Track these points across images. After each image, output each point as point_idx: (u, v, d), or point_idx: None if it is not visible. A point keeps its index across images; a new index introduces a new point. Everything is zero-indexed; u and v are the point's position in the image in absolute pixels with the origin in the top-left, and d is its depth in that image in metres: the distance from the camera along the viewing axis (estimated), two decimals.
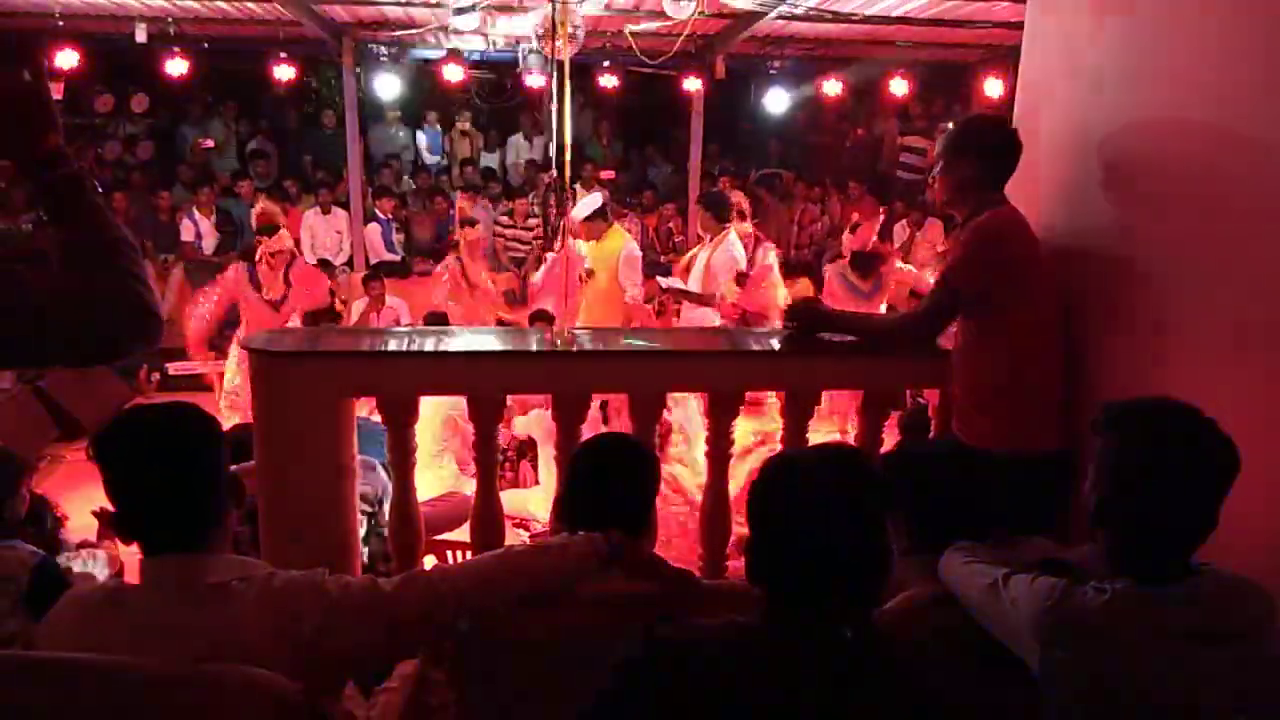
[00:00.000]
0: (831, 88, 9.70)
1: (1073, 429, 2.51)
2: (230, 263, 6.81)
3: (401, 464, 2.73)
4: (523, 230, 9.45)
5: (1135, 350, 2.40)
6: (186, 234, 8.91)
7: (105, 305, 1.36)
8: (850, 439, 4.29)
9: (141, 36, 8.16)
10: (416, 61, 9.71)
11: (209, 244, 9.02)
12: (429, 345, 2.74)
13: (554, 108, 5.07)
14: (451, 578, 1.76)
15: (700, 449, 4.46)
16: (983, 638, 1.70)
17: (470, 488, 3.40)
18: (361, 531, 2.83)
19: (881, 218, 8.53)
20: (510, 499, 4.21)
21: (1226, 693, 1.48)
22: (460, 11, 7.18)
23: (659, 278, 6.95)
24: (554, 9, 4.98)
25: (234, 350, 6.18)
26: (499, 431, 2.81)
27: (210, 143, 10.68)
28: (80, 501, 3.77)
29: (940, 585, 1.84)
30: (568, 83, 4.82)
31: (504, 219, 9.61)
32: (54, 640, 1.64)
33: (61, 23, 8.04)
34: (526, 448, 5.48)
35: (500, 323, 7.15)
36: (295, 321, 6.15)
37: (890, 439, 3.03)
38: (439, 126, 11.41)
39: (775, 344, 2.95)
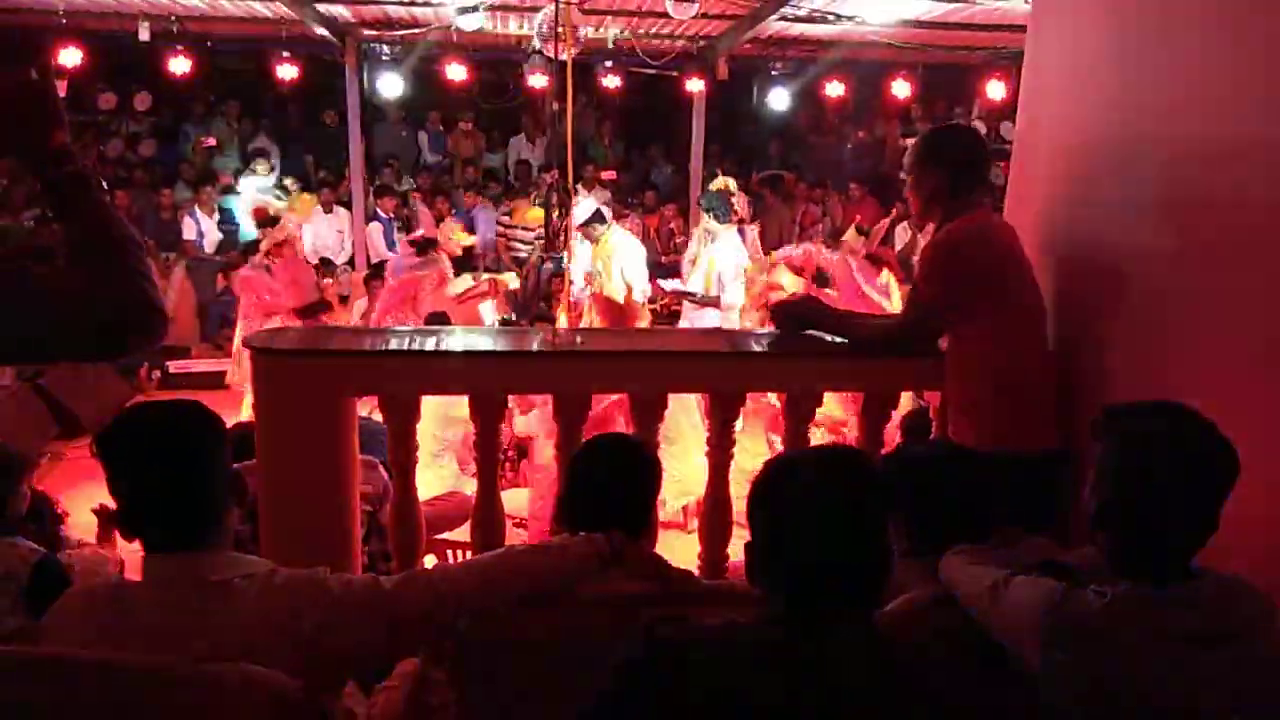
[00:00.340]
0: (833, 89, 9.71)
1: (1070, 431, 2.52)
2: (236, 265, 6.89)
3: (402, 463, 2.73)
4: (523, 230, 9.46)
5: (1135, 353, 2.41)
6: (188, 232, 8.92)
7: (110, 302, 1.37)
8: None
9: (145, 35, 8.18)
10: (419, 61, 9.71)
11: (210, 242, 9.03)
12: (430, 344, 2.74)
13: (556, 108, 5.08)
14: (452, 577, 1.76)
15: (694, 454, 4.48)
16: (983, 639, 1.70)
17: (471, 487, 3.41)
18: (362, 530, 2.83)
19: (887, 221, 8.59)
20: (511, 499, 4.21)
21: (1225, 695, 1.48)
22: (463, 11, 7.19)
23: (660, 280, 6.95)
24: (556, 10, 4.99)
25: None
26: (500, 431, 2.81)
27: (212, 141, 10.69)
28: (81, 499, 3.78)
29: (940, 587, 1.84)
30: (569, 83, 4.83)
31: (505, 219, 9.62)
32: (56, 637, 1.64)
33: (65, 20, 8.05)
34: (527, 448, 5.48)
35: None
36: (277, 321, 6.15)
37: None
38: (441, 126, 11.43)
39: (772, 343, 2.95)
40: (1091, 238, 2.60)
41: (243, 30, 8.75)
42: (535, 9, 6.91)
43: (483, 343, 2.93)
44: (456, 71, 9.22)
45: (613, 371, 2.81)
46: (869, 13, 7.48)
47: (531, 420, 5.23)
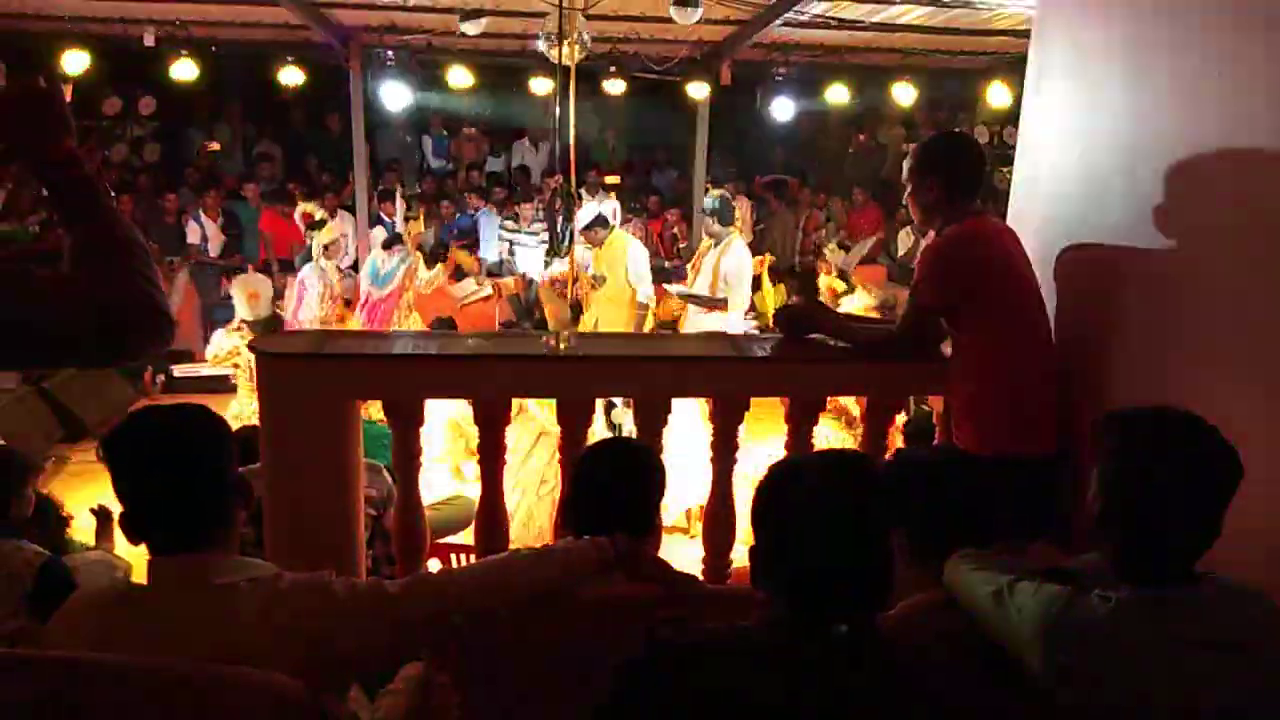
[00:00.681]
0: (837, 95, 9.72)
1: (1073, 435, 2.52)
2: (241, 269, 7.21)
3: (406, 467, 2.74)
4: (527, 235, 9.47)
5: (1138, 357, 2.41)
6: (192, 236, 8.94)
7: (117, 307, 1.37)
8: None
9: (150, 40, 8.21)
10: (423, 65, 9.73)
11: (214, 247, 9.05)
12: (434, 348, 2.75)
13: (560, 113, 5.09)
14: (456, 581, 1.77)
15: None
16: (986, 644, 1.70)
17: (474, 491, 3.41)
18: (366, 534, 2.83)
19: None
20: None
21: (1230, 700, 1.48)
22: (467, 17, 7.21)
23: (665, 285, 6.96)
24: (560, 15, 5.00)
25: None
26: (502, 435, 2.82)
27: (216, 146, 10.71)
28: (85, 502, 3.78)
29: (943, 592, 1.84)
30: (573, 88, 4.84)
31: (509, 224, 9.63)
32: (61, 640, 1.64)
33: (70, 25, 8.08)
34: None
35: None
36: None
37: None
38: (445, 131, 11.44)
39: (775, 348, 2.95)
40: (1094, 242, 2.60)
41: (247, 35, 8.77)
42: (540, 14, 6.92)
43: (486, 347, 2.93)
44: (460, 76, 9.23)
45: (616, 376, 2.82)
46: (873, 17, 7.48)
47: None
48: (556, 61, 5.20)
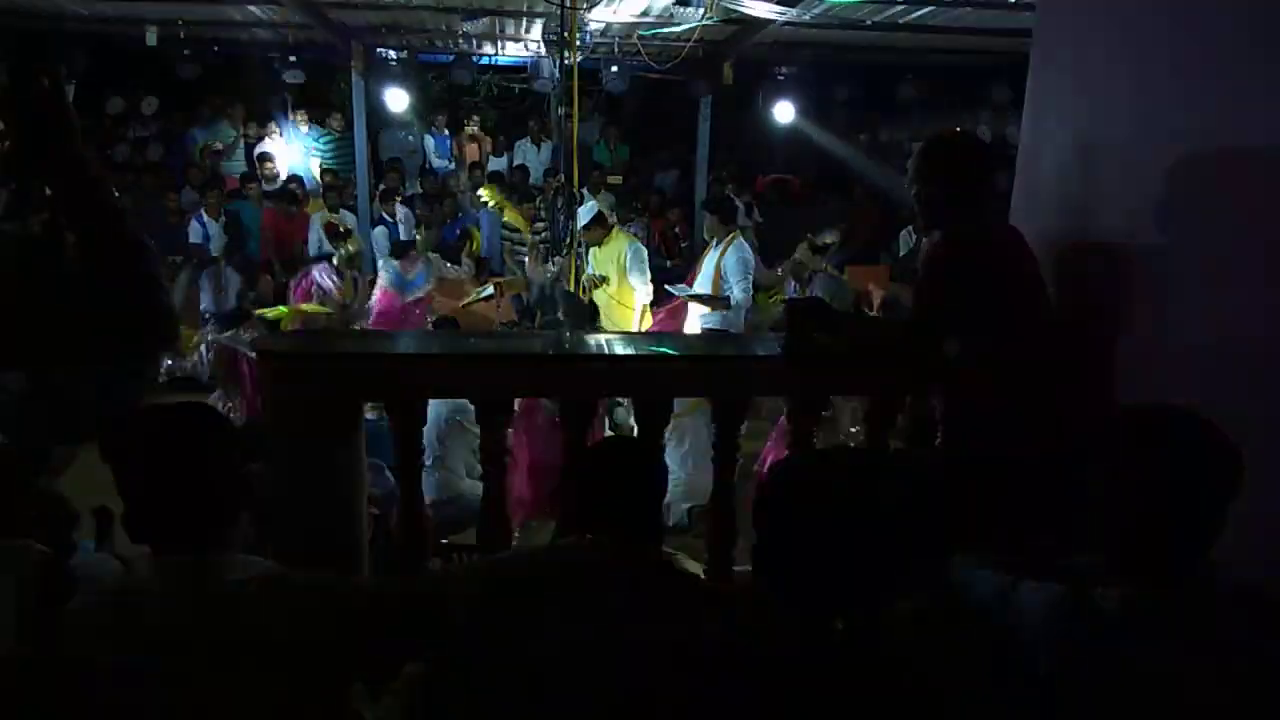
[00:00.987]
0: (839, 93, 9.72)
1: (1076, 434, 2.52)
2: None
3: (409, 466, 2.74)
4: (530, 235, 9.46)
5: (1142, 357, 2.41)
6: (194, 236, 8.94)
7: (123, 307, 1.38)
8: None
9: (152, 39, 8.22)
10: (425, 66, 9.74)
11: (216, 247, 9.05)
12: (437, 348, 2.75)
13: (562, 112, 5.10)
14: (458, 580, 1.77)
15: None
16: (990, 643, 1.70)
17: (476, 491, 3.41)
18: (369, 534, 2.84)
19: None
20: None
21: (1234, 700, 1.48)
22: (470, 17, 7.22)
23: (668, 285, 6.96)
24: (562, 15, 5.01)
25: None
26: (506, 435, 2.82)
27: (219, 146, 10.72)
28: (87, 502, 3.78)
29: (948, 590, 1.84)
30: (575, 87, 4.85)
31: (510, 223, 9.62)
32: (65, 640, 1.65)
33: (73, 25, 8.10)
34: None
35: None
36: None
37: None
38: (447, 130, 11.44)
39: (778, 348, 2.95)
40: (1097, 241, 2.60)
41: (249, 35, 8.78)
42: (542, 14, 6.93)
43: (489, 346, 2.93)
44: (463, 76, 9.24)
45: (618, 375, 2.82)
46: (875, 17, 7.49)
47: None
48: (559, 60, 5.20)
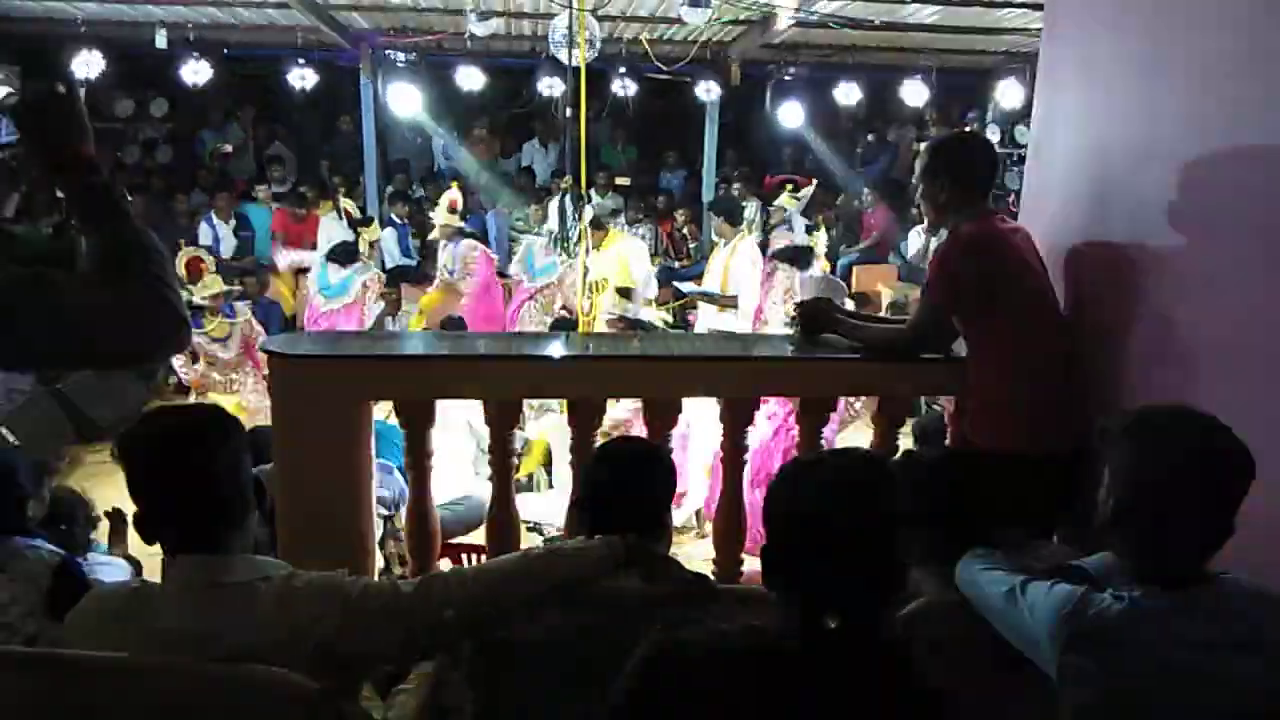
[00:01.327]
0: (847, 93, 9.70)
1: (1086, 433, 2.51)
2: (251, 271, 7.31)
3: (418, 467, 2.75)
4: (535, 235, 9.47)
5: (1150, 356, 2.40)
6: (204, 238, 8.96)
7: (134, 311, 1.38)
8: None
9: (162, 42, 8.25)
10: (434, 67, 9.75)
11: (226, 249, 9.08)
12: (445, 349, 2.75)
13: (570, 114, 5.10)
14: (468, 580, 1.77)
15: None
16: (998, 644, 1.70)
17: (485, 491, 3.42)
18: (378, 534, 2.84)
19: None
20: (525, 502, 4.22)
21: (1244, 700, 1.47)
22: (479, 19, 7.23)
23: (677, 284, 6.96)
24: (570, 16, 5.01)
25: None
26: (513, 435, 2.82)
27: (228, 148, 10.75)
28: (100, 503, 3.80)
29: (955, 592, 1.84)
30: (583, 89, 4.84)
31: (519, 224, 9.64)
32: (77, 639, 1.66)
33: (84, 28, 8.14)
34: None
35: None
36: None
37: None
38: (455, 132, 11.45)
39: (786, 348, 2.96)
40: (1107, 240, 2.59)
41: (258, 38, 8.80)
42: (549, 15, 6.93)
43: (497, 347, 2.94)
44: (471, 77, 9.24)
45: (627, 376, 2.82)
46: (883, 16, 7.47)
47: (543, 422, 5.24)
48: (567, 62, 5.21)
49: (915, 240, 9.21)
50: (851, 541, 1.38)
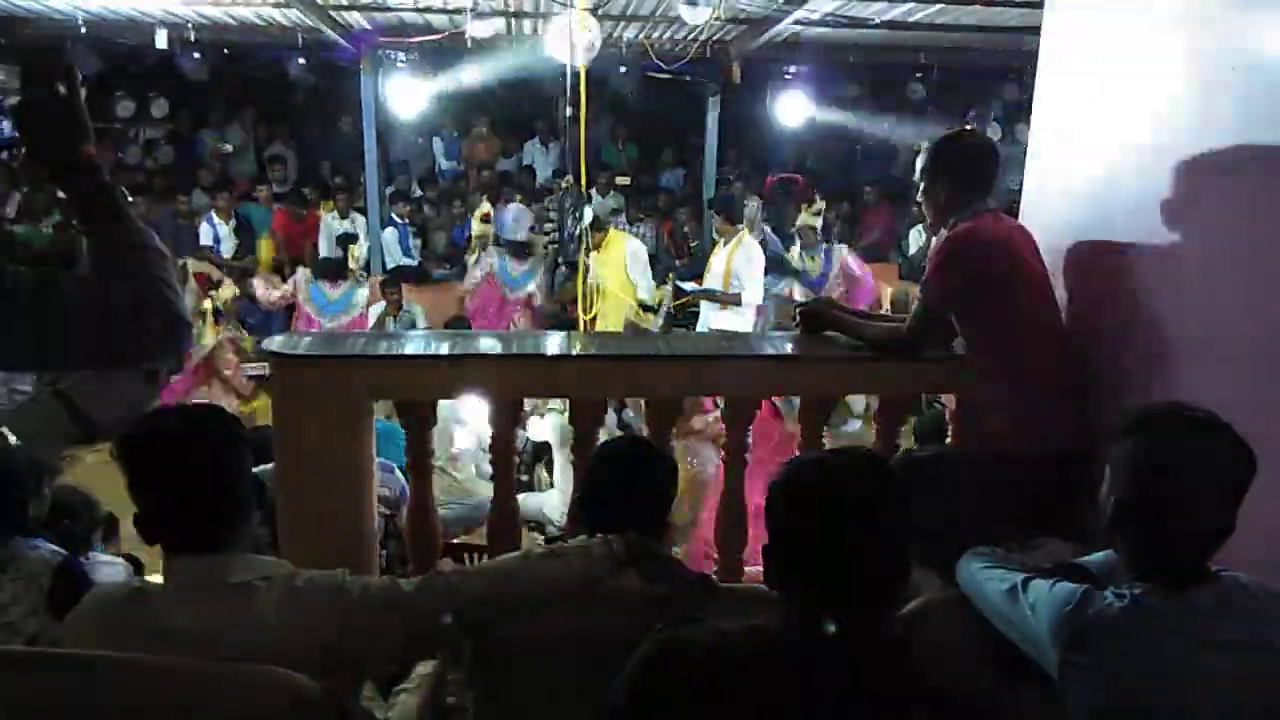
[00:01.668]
0: (847, 92, 9.70)
1: (1087, 431, 2.51)
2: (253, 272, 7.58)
3: (419, 466, 2.75)
4: (539, 236, 9.47)
5: (1151, 354, 2.40)
6: (205, 238, 8.97)
7: (136, 312, 1.38)
8: None
9: (162, 42, 8.25)
10: (434, 67, 9.75)
11: (227, 248, 9.08)
12: (446, 348, 2.75)
13: (570, 113, 5.10)
14: (469, 580, 1.77)
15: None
16: (999, 642, 1.70)
17: (486, 491, 3.42)
18: (379, 534, 2.85)
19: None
20: (526, 502, 4.23)
21: (1246, 699, 1.47)
22: (478, 18, 7.23)
23: (679, 283, 6.96)
24: (570, 16, 5.01)
25: None
26: (515, 435, 2.83)
27: (229, 148, 10.75)
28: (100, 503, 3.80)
29: (956, 590, 1.84)
30: (584, 88, 4.84)
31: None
32: (78, 639, 1.66)
33: (84, 29, 8.13)
34: (541, 451, 5.49)
35: None
36: None
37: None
38: (455, 132, 11.46)
39: (788, 347, 2.96)
40: (1107, 239, 2.59)
41: (258, 38, 8.80)
42: (549, 14, 6.93)
43: (498, 346, 2.94)
44: (471, 77, 9.24)
45: (628, 375, 2.82)
46: (884, 15, 7.47)
47: (545, 425, 5.24)
48: (567, 61, 5.21)
49: (916, 238, 9.20)
50: (853, 541, 1.38)
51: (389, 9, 7.80)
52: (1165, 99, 2.40)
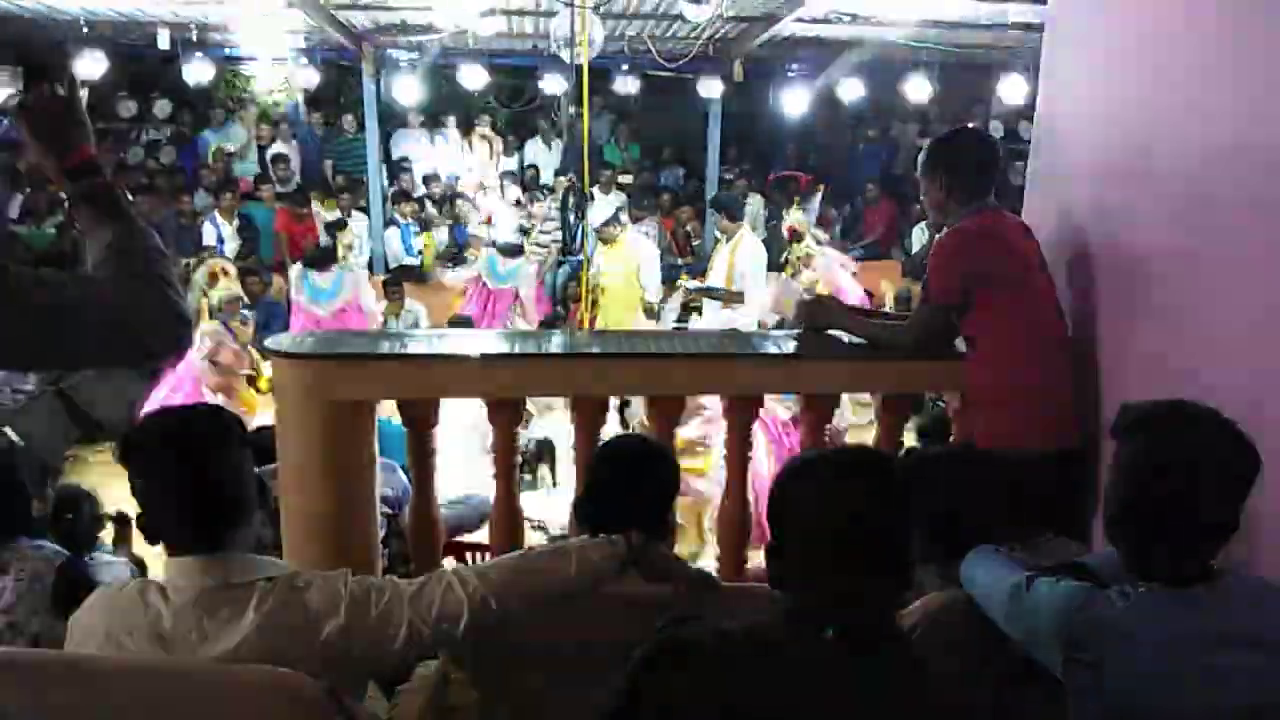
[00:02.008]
0: (850, 90, 9.68)
1: (1090, 430, 2.51)
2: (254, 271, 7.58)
3: (421, 466, 2.75)
4: (541, 234, 9.47)
5: (1154, 352, 2.39)
6: (208, 238, 8.97)
7: (137, 311, 1.38)
8: None
9: (164, 43, 8.26)
10: (436, 66, 9.76)
11: (230, 249, 9.09)
12: (448, 348, 2.75)
13: (572, 112, 5.09)
14: (472, 579, 1.77)
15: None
16: (1002, 641, 1.70)
17: (489, 490, 3.42)
18: (381, 533, 2.84)
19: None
20: (529, 501, 4.22)
21: (1250, 698, 1.47)
22: (481, 16, 7.23)
23: (682, 280, 6.97)
24: (571, 14, 5.01)
25: None
26: (517, 434, 2.82)
27: (231, 148, 10.75)
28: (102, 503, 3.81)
29: (959, 589, 1.84)
30: (586, 86, 4.84)
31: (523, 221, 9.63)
32: (80, 639, 1.66)
33: (86, 29, 8.14)
34: (545, 450, 5.50)
35: None
36: None
37: None
38: (458, 131, 11.45)
39: (790, 345, 2.95)
40: (1110, 237, 2.59)
41: (260, 37, 8.81)
42: (551, 13, 6.93)
43: (501, 345, 2.93)
44: (473, 76, 9.24)
45: (629, 374, 2.82)
46: (886, 13, 7.46)
47: (549, 424, 5.25)
48: (569, 61, 5.21)
49: (920, 236, 9.19)
50: (856, 539, 1.38)
51: (391, 8, 7.80)
52: (1167, 94, 2.39)
